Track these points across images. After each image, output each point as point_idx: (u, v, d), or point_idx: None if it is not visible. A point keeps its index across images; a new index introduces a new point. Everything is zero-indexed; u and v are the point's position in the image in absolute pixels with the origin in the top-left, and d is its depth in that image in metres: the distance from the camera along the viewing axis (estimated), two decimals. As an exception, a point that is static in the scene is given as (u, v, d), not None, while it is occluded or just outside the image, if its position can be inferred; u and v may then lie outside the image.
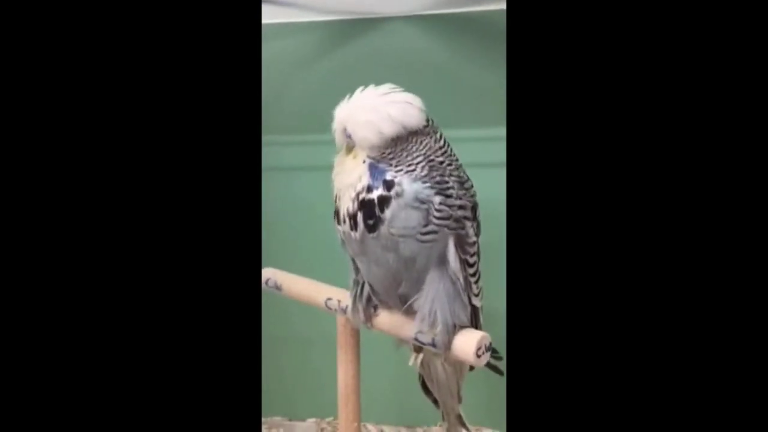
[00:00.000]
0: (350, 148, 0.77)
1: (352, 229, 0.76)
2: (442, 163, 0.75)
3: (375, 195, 0.73)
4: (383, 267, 0.77)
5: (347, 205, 0.76)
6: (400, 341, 0.92)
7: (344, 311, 0.89)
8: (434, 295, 0.75)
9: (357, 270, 0.84)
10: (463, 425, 1.04)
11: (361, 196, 0.74)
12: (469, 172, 0.81)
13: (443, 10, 1.16)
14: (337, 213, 0.78)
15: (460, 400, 1.01)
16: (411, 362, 0.92)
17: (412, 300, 0.78)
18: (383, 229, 0.73)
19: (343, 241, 0.82)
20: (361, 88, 0.77)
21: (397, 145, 0.74)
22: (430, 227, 0.73)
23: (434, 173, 0.74)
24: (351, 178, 0.75)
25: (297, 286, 0.96)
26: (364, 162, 0.75)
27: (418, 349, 0.91)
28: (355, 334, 0.93)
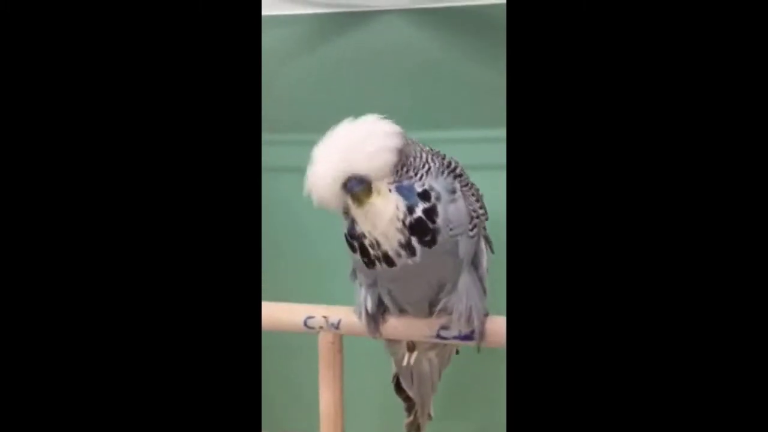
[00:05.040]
0: (361, 196, 0.73)
1: (409, 257, 0.74)
2: (430, 152, 0.78)
3: (419, 212, 0.73)
4: (434, 277, 0.78)
5: (396, 239, 0.73)
6: (393, 345, 0.92)
7: (335, 326, 0.87)
8: (467, 293, 0.79)
9: (372, 285, 0.83)
10: (429, 415, 1.07)
11: (407, 222, 0.73)
12: (468, 174, 0.83)
13: (440, 4, 1.14)
14: (377, 259, 0.76)
15: (435, 391, 1.03)
16: (405, 362, 0.92)
17: (443, 302, 0.80)
18: (441, 237, 0.74)
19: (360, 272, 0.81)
20: (321, 147, 0.74)
21: (403, 155, 0.74)
22: (474, 221, 0.77)
23: (442, 160, 0.77)
24: (388, 213, 0.73)
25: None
26: (390, 191, 0.74)
27: (411, 348, 0.92)
28: (340, 351, 0.90)
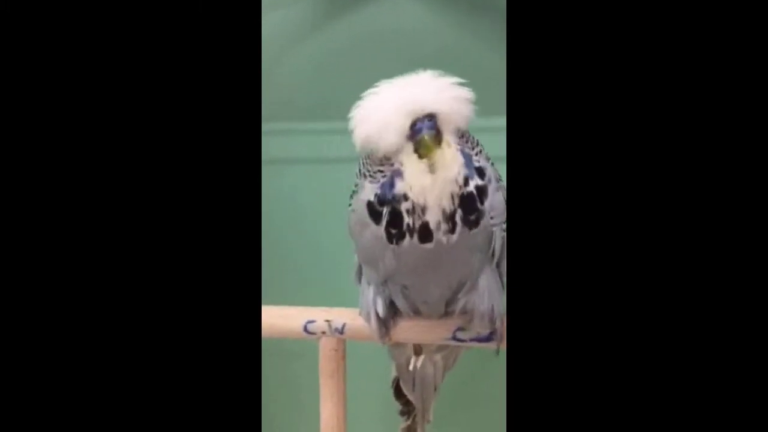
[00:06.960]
0: (429, 144, 0.66)
1: (447, 234, 0.67)
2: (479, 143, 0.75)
3: (472, 187, 0.68)
4: (458, 271, 0.73)
5: (447, 205, 0.67)
6: (398, 348, 0.90)
7: (339, 331, 0.83)
8: (489, 292, 0.76)
9: (382, 284, 0.78)
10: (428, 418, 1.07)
11: (460, 192, 0.67)
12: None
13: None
14: (408, 231, 0.68)
15: (437, 394, 1.02)
16: (411, 366, 0.91)
17: (462, 301, 0.77)
18: (483, 222, 0.69)
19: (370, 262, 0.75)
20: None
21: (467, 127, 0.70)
22: (504, 215, 0.74)
23: (487, 155, 0.73)
24: (453, 171, 0.66)
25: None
26: (457, 150, 0.68)
27: (418, 352, 0.90)
28: (344, 358, 0.87)
